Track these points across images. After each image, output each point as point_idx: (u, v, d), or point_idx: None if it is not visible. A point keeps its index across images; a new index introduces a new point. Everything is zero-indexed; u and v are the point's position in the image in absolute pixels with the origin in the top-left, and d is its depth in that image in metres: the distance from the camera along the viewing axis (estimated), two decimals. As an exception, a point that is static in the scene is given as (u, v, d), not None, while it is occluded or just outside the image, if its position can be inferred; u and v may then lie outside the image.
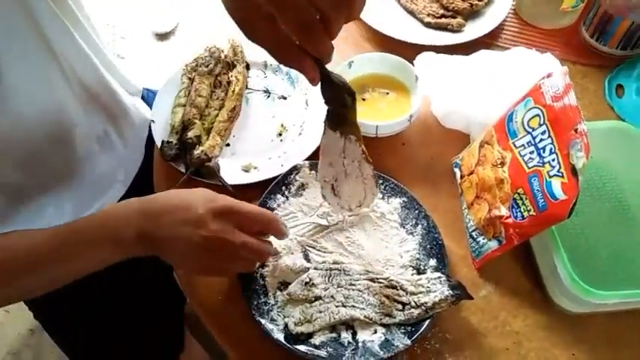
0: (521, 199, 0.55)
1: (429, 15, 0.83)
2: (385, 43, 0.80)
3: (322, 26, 0.38)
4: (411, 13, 0.85)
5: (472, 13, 0.83)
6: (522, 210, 0.55)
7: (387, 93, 0.72)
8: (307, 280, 0.58)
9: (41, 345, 1.37)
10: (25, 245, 0.51)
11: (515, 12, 0.87)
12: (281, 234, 0.56)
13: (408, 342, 0.54)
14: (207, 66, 0.75)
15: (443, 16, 0.83)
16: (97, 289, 0.72)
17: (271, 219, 0.55)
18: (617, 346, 0.56)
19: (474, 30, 0.81)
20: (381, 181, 0.66)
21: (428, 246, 0.62)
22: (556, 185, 0.51)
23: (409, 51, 0.74)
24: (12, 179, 0.63)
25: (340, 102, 0.46)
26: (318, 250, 0.61)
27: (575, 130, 0.51)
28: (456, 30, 0.81)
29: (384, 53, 0.73)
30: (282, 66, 0.78)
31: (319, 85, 0.44)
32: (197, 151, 0.66)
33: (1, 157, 0.59)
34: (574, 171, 0.50)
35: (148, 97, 0.87)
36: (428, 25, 0.83)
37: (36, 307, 0.80)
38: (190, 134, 0.68)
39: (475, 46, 0.75)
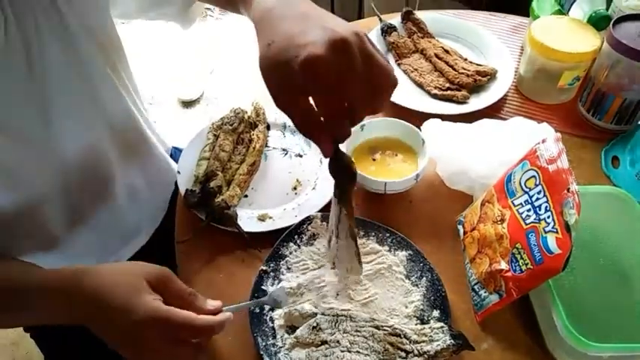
0: (519, 253, 0.58)
1: (435, 87, 0.91)
2: (396, 110, 0.87)
3: (348, 113, 0.43)
4: (420, 85, 0.93)
5: (476, 87, 0.91)
6: (521, 264, 0.58)
7: (396, 154, 0.78)
8: (315, 324, 0.61)
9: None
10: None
11: (516, 87, 0.94)
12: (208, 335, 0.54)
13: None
14: (231, 124, 0.82)
15: (449, 89, 0.90)
16: None
17: (201, 304, 0.54)
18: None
19: (478, 102, 0.88)
20: (388, 234, 0.70)
21: (432, 297, 0.64)
22: (551, 240, 0.55)
23: (417, 118, 0.81)
24: (49, 223, 0.67)
25: (341, 179, 0.52)
26: (326, 297, 0.64)
27: (568, 190, 0.56)
28: (461, 102, 0.88)
29: (395, 119, 0.79)
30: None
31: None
32: (218, 200, 0.72)
33: (43, 199, 0.65)
34: (567, 227, 0.54)
35: (175, 155, 0.94)
36: (434, 96, 0.90)
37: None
38: (212, 184, 0.74)
39: (478, 117, 0.81)
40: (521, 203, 0.61)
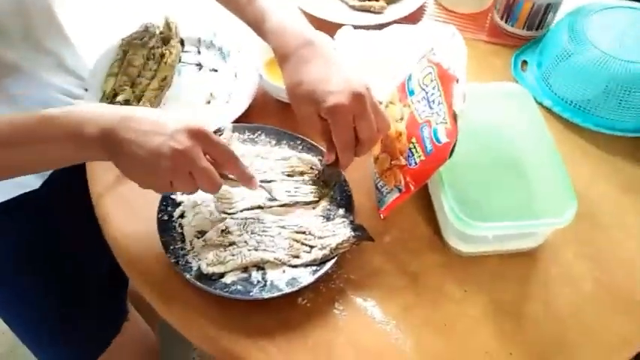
0: (414, 147, 0.60)
1: (353, -1, 0.90)
2: (313, 22, 0.85)
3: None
4: (339, -3, 0.91)
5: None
6: (415, 157, 0.60)
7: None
8: (223, 227, 0.62)
9: None
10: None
11: (435, -2, 0.94)
12: (246, 179, 0.58)
13: (312, 278, 0.59)
14: (141, 39, 0.80)
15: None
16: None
17: (237, 159, 0.57)
18: (504, 282, 0.62)
19: (395, 12, 0.87)
20: (299, 142, 0.71)
21: (338, 198, 0.66)
22: (441, 131, 0.57)
23: (334, 30, 0.80)
24: None
25: (324, 185, 0.66)
26: (236, 201, 0.65)
27: (457, 81, 0.57)
28: (378, 12, 0.87)
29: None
30: (214, 41, 0.83)
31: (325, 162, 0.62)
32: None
33: None
34: (455, 116, 0.56)
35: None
36: (353, 7, 0.89)
37: None
38: (119, 98, 0.72)
39: (393, 25, 0.81)
40: (419, 100, 0.63)
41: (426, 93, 0.61)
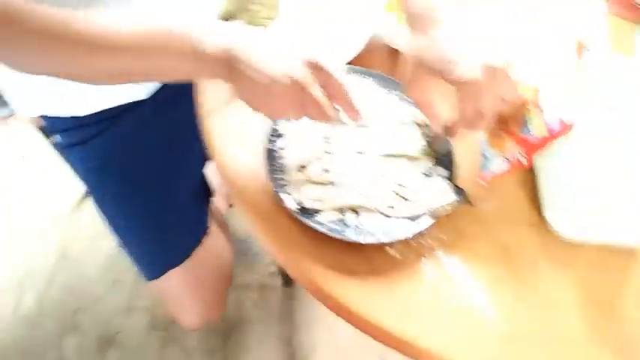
0: (534, 114, 0.58)
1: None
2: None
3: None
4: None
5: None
6: (535, 127, 0.57)
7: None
8: (325, 166, 0.63)
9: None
10: (103, 25, 0.50)
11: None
12: (353, 111, 0.57)
13: (409, 234, 0.59)
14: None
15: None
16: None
17: (347, 92, 0.56)
18: (602, 274, 0.60)
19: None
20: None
21: (440, 155, 0.65)
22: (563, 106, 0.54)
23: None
24: None
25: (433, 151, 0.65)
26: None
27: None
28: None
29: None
30: None
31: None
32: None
33: None
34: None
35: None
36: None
37: (87, 171, 0.87)
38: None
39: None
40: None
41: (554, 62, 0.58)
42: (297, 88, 0.52)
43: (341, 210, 0.61)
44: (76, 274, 1.44)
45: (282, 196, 0.61)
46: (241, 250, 1.41)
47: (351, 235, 0.59)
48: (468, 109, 0.54)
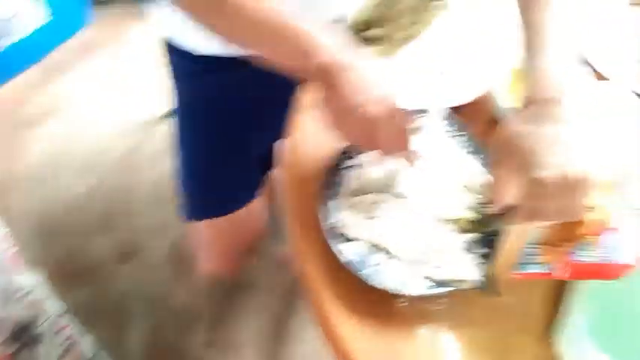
0: (589, 246, 0.57)
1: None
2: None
3: None
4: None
5: None
6: (584, 254, 0.57)
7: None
8: (375, 200, 0.66)
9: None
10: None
11: None
12: (409, 158, 0.63)
13: (421, 292, 0.60)
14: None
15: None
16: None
17: (408, 143, 0.61)
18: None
19: None
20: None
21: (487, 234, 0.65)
22: (628, 250, 0.54)
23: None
24: None
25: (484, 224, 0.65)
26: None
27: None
28: None
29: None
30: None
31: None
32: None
33: None
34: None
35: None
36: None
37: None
38: (370, 33, 0.76)
39: None
40: (625, 205, 0.58)
41: (636, 206, 0.57)
42: (367, 126, 0.57)
43: (374, 247, 0.64)
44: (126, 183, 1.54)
45: (323, 208, 0.64)
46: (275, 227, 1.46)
47: (365, 276, 0.61)
48: (536, 207, 0.54)
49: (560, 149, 0.52)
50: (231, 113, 0.90)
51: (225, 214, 0.95)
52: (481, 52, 0.80)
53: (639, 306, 0.59)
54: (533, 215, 0.55)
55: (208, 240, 0.98)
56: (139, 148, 1.62)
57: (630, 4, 0.90)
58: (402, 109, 0.58)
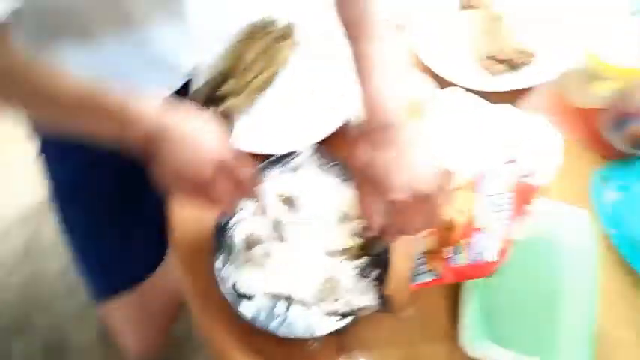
0: (461, 248, 0.62)
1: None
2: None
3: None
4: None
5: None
6: (458, 258, 0.62)
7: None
8: (266, 251, 0.68)
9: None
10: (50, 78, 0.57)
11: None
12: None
13: (328, 330, 0.63)
14: (261, 31, 0.84)
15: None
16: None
17: (248, 193, 0.63)
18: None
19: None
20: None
21: (377, 255, 0.69)
22: (492, 248, 0.59)
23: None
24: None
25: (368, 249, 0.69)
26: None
27: (526, 209, 0.58)
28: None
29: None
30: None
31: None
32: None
33: None
34: (510, 242, 0.58)
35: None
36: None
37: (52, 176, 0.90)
38: (224, 89, 0.78)
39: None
40: (485, 204, 0.64)
41: (496, 203, 0.63)
42: (198, 188, 0.58)
43: (275, 297, 0.66)
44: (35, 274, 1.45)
45: (219, 276, 0.65)
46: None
47: (273, 328, 0.63)
48: (397, 224, 0.61)
49: (405, 171, 0.58)
50: (101, 189, 0.88)
51: (133, 285, 0.92)
52: (336, 83, 0.83)
53: (515, 296, 0.65)
54: (399, 231, 0.62)
55: (126, 319, 0.94)
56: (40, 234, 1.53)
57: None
58: (238, 156, 0.59)
